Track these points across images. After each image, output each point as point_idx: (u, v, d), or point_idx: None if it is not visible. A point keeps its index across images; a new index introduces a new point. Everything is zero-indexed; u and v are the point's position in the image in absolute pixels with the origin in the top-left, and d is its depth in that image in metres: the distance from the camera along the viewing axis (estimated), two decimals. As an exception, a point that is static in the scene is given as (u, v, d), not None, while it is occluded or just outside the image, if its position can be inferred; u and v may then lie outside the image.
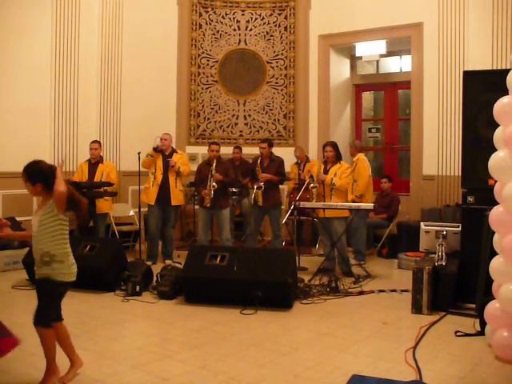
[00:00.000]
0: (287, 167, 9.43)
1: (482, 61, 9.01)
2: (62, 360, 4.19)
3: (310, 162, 10.01)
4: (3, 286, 7.23)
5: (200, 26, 11.49)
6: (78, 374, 4.29)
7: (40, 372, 4.23)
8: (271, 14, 11.51)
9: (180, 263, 7.91)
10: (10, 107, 9.11)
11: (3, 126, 9.00)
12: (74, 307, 6.05)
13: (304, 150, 10.42)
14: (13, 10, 9.12)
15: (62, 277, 4.08)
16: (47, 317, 4.07)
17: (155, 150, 8.72)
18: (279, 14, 11.49)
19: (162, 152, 8.81)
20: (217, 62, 11.59)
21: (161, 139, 8.81)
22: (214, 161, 8.57)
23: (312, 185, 8.20)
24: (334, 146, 8.26)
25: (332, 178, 7.97)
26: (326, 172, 8.16)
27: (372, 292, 7.18)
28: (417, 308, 6.15)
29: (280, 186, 9.48)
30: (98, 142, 9.19)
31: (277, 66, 11.56)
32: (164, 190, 8.78)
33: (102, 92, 10.31)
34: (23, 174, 4.11)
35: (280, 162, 9.16)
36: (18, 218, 8.48)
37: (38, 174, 4.10)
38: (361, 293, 7.13)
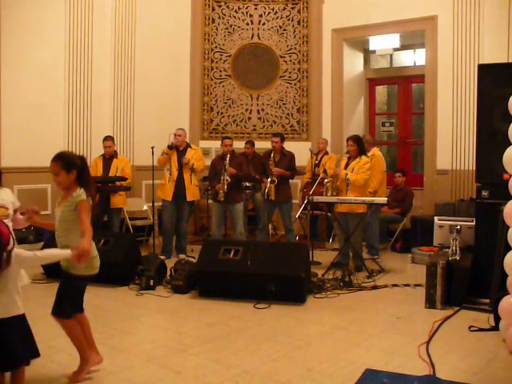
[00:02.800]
0: (299, 161, 9.40)
1: (497, 54, 8.93)
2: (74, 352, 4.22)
3: (328, 155, 9.97)
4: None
5: (213, 21, 11.49)
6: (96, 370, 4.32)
7: (57, 364, 4.28)
8: (284, 8, 11.48)
9: (194, 257, 7.93)
10: (24, 104, 9.15)
11: (18, 123, 9.05)
12: (88, 301, 6.05)
13: (327, 143, 10.37)
14: (26, 7, 9.16)
15: (79, 271, 4.08)
16: (64, 308, 4.09)
17: (170, 147, 8.73)
18: (292, 8, 11.46)
19: (177, 147, 8.83)
20: (230, 56, 11.59)
21: (175, 135, 8.82)
22: (228, 155, 8.58)
23: (326, 180, 8.18)
24: (356, 140, 8.15)
25: (346, 173, 7.92)
26: (346, 166, 8.12)
27: (385, 286, 7.17)
28: (430, 303, 6.13)
29: (294, 180, 9.47)
30: (111, 139, 9.18)
31: (290, 61, 11.53)
32: (179, 185, 8.79)
33: (115, 87, 10.34)
34: (57, 162, 4.07)
35: (291, 156, 9.15)
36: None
37: (73, 161, 4.11)
38: (374, 287, 7.12)
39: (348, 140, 8.22)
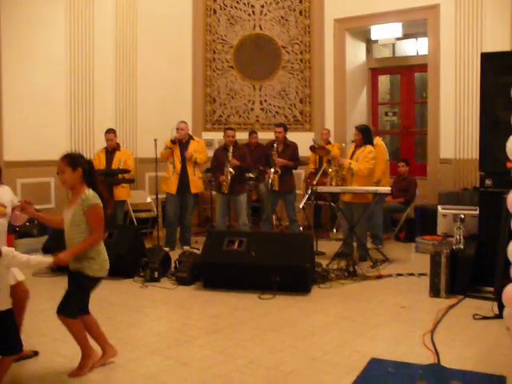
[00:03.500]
0: (302, 152, 9.40)
1: (499, 42, 8.90)
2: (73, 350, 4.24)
3: (331, 144, 9.97)
4: (24, 273, 7.29)
5: (215, 12, 11.46)
6: (111, 362, 4.35)
7: (61, 357, 4.30)
8: (286, -1, 11.44)
9: (198, 249, 7.96)
10: (27, 97, 9.16)
11: (20, 116, 9.05)
12: (94, 294, 6.09)
13: (329, 133, 10.37)
14: (28, 0, 9.15)
15: (93, 272, 4.11)
16: (71, 308, 4.11)
17: (173, 142, 8.73)
18: (294, -2, 11.42)
19: (180, 141, 8.83)
20: (232, 47, 11.56)
21: (177, 129, 8.81)
22: (231, 146, 8.59)
23: (330, 170, 8.17)
24: (361, 129, 8.14)
25: (350, 163, 7.91)
26: (352, 156, 8.11)
27: (390, 276, 7.18)
28: (435, 292, 6.15)
29: (297, 171, 9.46)
30: (113, 132, 9.14)
31: (292, 51, 11.50)
32: (183, 178, 8.81)
33: (117, 79, 10.34)
34: (63, 160, 4.11)
35: (294, 147, 9.13)
36: (36, 207, 8.50)
37: (79, 159, 4.14)
38: (379, 277, 7.14)
39: (355, 129, 8.21)
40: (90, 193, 4.08)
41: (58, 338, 4.48)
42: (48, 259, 3.99)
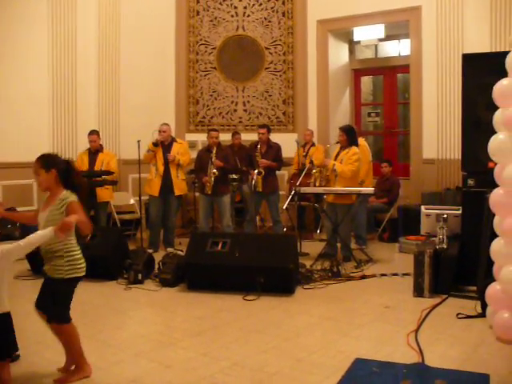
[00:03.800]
0: (286, 153, 9.40)
1: (480, 43, 8.98)
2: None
3: (315, 146, 9.99)
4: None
5: (197, 13, 11.44)
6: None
7: (45, 360, 4.26)
8: (269, 0, 11.44)
9: (181, 250, 7.93)
10: (9, 97, 9.11)
11: (1, 117, 8.99)
12: (77, 296, 6.03)
13: (313, 134, 10.38)
14: (9, 0, 9.09)
15: (64, 273, 4.02)
16: (62, 312, 4.05)
17: (155, 144, 8.69)
18: (277, 0, 11.43)
19: (162, 143, 8.80)
20: (215, 48, 11.55)
21: (159, 132, 8.78)
22: (214, 147, 8.58)
23: (314, 170, 8.18)
24: (346, 130, 8.12)
25: (334, 164, 7.91)
26: (336, 157, 8.11)
27: (374, 276, 7.20)
28: (418, 291, 6.17)
29: (280, 172, 9.47)
30: (97, 133, 9.10)
31: (275, 52, 11.51)
32: (166, 180, 8.77)
33: (100, 80, 10.30)
34: (37, 162, 4.05)
35: (277, 148, 9.14)
36: (18, 209, 8.48)
37: (53, 160, 4.06)
38: (363, 277, 7.15)
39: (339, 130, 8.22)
40: (67, 192, 4.01)
41: (42, 342, 4.44)
42: (48, 229, 3.85)
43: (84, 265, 4.15)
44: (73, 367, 4.16)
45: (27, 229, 8.21)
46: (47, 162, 4.04)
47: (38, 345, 4.59)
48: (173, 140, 8.98)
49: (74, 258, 4.08)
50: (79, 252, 4.14)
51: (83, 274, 4.15)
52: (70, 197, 3.99)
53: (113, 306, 6.13)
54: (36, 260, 6.29)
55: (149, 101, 10.74)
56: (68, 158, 4.31)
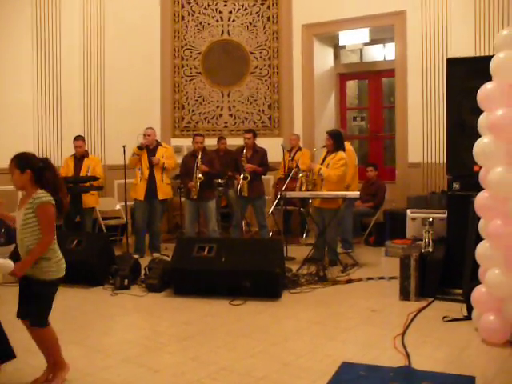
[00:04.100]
0: (272, 157, 9.41)
1: (465, 48, 9.03)
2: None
3: (301, 150, 10.01)
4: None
5: (182, 18, 11.44)
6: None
7: (32, 368, 4.22)
8: (254, 4, 11.46)
9: (168, 256, 7.91)
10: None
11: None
12: (63, 302, 6.02)
13: (299, 138, 10.39)
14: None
15: (50, 275, 3.98)
16: (43, 317, 4.01)
17: (140, 148, 8.69)
18: (262, 4, 11.45)
19: (147, 147, 8.79)
20: (200, 53, 11.55)
21: (144, 136, 8.77)
22: (199, 152, 8.57)
23: (301, 174, 8.18)
24: (333, 135, 8.09)
25: (320, 168, 7.92)
26: (324, 160, 8.12)
27: (360, 280, 7.21)
28: (405, 295, 6.19)
29: (266, 176, 9.48)
30: (82, 139, 9.04)
31: (260, 57, 11.53)
32: (151, 184, 8.76)
33: (85, 86, 10.26)
34: (11, 162, 3.99)
35: (263, 152, 9.14)
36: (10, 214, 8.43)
37: (28, 161, 3.99)
38: (349, 281, 7.16)
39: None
40: (41, 192, 3.93)
41: (30, 349, 4.40)
42: (10, 264, 3.87)
43: (65, 265, 4.11)
44: (50, 376, 4.11)
45: (13, 236, 8.18)
46: (22, 162, 3.97)
47: (26, 352, 4.52)
48: (158, 144, 8.97)
49: (60, 258, 4.06)
50: (59, 253, 4.10)
51: (64, 273, 4.10)
52: (42, 197, 3.91)
53: (100, 311, 6.10)
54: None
55: (134, 106, 10.71)
56: (46, 157, 4.18)
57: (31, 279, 3.99)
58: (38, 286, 3.98)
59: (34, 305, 4.01)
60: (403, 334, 5.09)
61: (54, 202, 3.94)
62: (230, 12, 11.49)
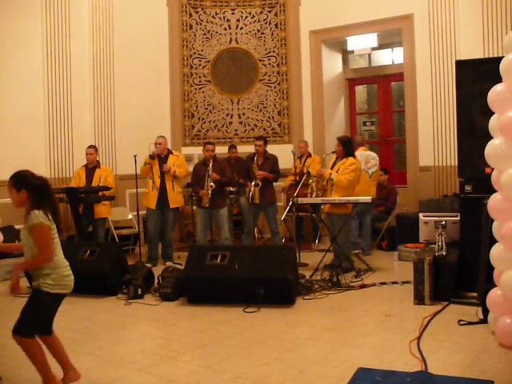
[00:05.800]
0: (282, 164, 9.41)
1: (473, 49, 9.00)
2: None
3: (311, 157, 10.00)
4: (5, 293, 7.21)
5: (191, 27, 11.48)
6: None
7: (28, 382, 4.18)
8: (261, 12, 11.50)
9: (181, 264, 7.91)
10: (4, 116, 9.10)
11: (-2, 135, 9.00)
12: (77, 312, 6.04)
13: (307, 145, 10.38)
14: (3, 21, 9.13)
15: (48, 288, 3.97)
16: (28, 327, 3.96)
17: (151, 157, 8.72)
18: (269, 12, 11.48)
19: (159, 155, 8.81)
20: (209, 61, 11.59)
21: (155, 144, 8.80)
22: (210, 161, 8.57)
23: (310, 180, 8.18)
24: (342, 141, 8.08)
25: (330, 173, 7.90)
26: (333, 166, 8.10)
27: (374, 285, 7.18)
28: (419, 299, 6.15)
29: (277, 183, 9.49)
30: (94, 147, 9.14)
31: (269, 64, 11.55)
32: (163, 193, 8.79)
33: (95, 97, 10.31)
34: (9, 181, 4.00)
35: (274, 159, 9.16)
36: (16, 227, 8.46)
37: (23, 180, 3.99)
38: (362, 286, 7.13)
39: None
40: (34, 213, 3.91)
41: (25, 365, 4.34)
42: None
43: (71, 281, 4.11)
44: None
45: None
46: (18, 182, 3.99)
47: (19, 368, 4.49)
48: (169, 152, 9.00)
49: (62, 275, 4.04)
50: (67, 269, 4.11)
51: (69, 290, 4.10)
52: (33, 219, 3.89)
53: (113, 321, 6.10)
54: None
55: (144, 116, 10.75)
56: (42, 176, 4.15)
57: (34, 290, 4.04)
58: (35, 292, 4.02)
59: (24, 311, 4.01)
60: (418, 338, 5.05)
61: (46, 222, 3.93)
62: (238, 20, 11.52)
